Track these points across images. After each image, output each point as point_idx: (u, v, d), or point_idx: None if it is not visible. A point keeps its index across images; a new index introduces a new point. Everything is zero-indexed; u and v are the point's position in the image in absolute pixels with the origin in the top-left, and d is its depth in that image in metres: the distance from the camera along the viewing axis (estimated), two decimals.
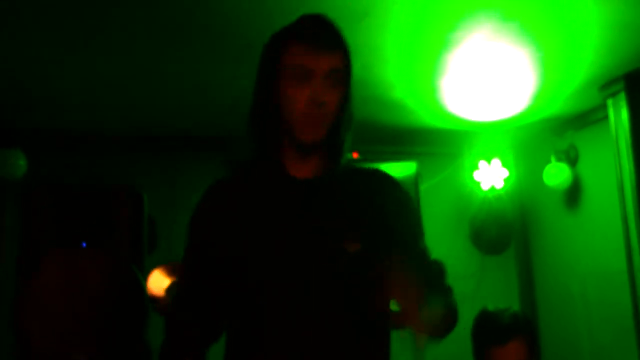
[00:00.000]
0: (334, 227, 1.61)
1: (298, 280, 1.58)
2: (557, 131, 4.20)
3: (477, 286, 4.49)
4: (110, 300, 2.02)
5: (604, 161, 3.81)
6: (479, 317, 2.60)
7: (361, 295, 1.56)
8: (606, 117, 3.66)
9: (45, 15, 2.56)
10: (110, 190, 2.55)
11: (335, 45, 1.62)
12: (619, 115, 3.48)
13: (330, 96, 1.60)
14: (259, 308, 1.59)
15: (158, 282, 3.48)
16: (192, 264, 1.69)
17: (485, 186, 4.34)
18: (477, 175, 4.34)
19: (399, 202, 1.74)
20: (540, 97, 3.66)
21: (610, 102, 3.54)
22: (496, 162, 4.32)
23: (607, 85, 3.51)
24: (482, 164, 4.33)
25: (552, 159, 4.09)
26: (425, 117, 3.93)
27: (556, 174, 4.04)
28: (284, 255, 1.59)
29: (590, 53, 3.11)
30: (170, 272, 3.55)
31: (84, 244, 2.40)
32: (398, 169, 4.32)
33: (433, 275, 1.74)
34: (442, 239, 4.47)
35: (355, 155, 4.43)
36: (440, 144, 4.45)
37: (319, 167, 1.67)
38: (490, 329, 2.49)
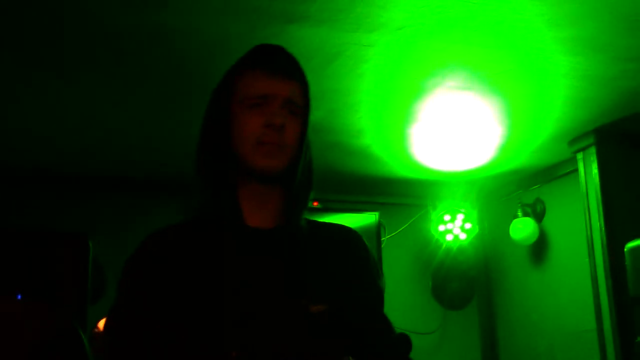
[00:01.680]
0: (297, 286, 1.42)
1: (249, 346, 1.37)
2: (524, 184, 4.12)
3: (438, 342, 4.35)
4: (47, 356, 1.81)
5: (571, 216, 3.73)
6: None
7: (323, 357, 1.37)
8: (574, 171, 3.61)
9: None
10: (52, 235, 2.35)
11: (294, 74, 1.49)
12: (590, 169, 3.42)
13: (290, 123, 1.44)
14: None
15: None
16: (127, 324, 1.44)
17: (448, 238, 4.22)
18: (440, 227, 4.22)
19: (367, 265, 1.56)
20: (507, 148, 3.59)
21: (580, 156, 3.48)
22: (461, 214, 4.21)
23: (577, 139, 3.45)
24: (446, 216, 4.22)
25: (519, 212, 3.99)
26: (391, 166, 3.82)
27: (522, 229, 3.95)
28: (236, 319, 1.38)
29: (559, 106, 3.07)
30: None
31: (19, 296, 2.19)
32: (359, 219, 4.20)
33: (400, 348, 1.50)
34: (403, 292, 4.34)
35: (315, 204, 4.30)
36: (405, 194, 4.35)
37: (279, 215, 1.48)
38: None
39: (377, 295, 1.57)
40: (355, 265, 1.53)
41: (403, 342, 1.51)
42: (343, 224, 1.61)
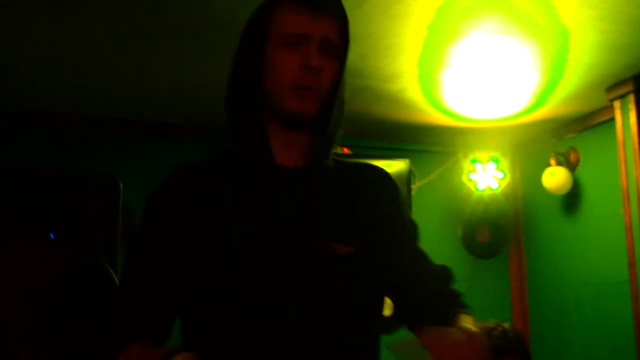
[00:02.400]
0: (323, 226, 1.39)
1: (275, 287, 1.34)
2: (558, 133, 4.05)
3: (467, 292, 4.34)
4: (73, 298, 1.83)
5: (606, 166, 3.66)
6: None
7: (351, 306, 1.37)
8: (610, 119, 3.53)
9: None
10: (82, 176, 2.35)
11: (334, 9, 1.42)
12: (627, 118, 3.33)
13: (327, 64, 1.38)
14: (230, 321, 1.34)
15: None
16: (146, 255, 1.42)
17: (480, 187, 4.18)
18: (472, 175, 4.18)
19: (397, 201, 1.53)
20: (542, 95, 3.51)
21: (617, 104, 3.39)
22: (493, 162, 4.16)
23: (615, 86, 3.36)
24: (477, 164, 4.17)
25: (552, 161, 3.92)
26: (423, 112, 3.76)
27: (555, 178, 3.88)
28: (262, 257, 1.34)
29: (596, 51, 2.98)
30: None
31: (52, 235, 2.20)
32: (390, 166, 4.17)
33: (446, 280, 1.56)
34: (432, 241, 4.28)
35: (345, 151, 4.29)
36: (436, 141, 4.30)
37: (307, 155, 1.44)
38: None
39: (409, 230, 1.55)
40: (384, 203, 1.49)
41: (444, 275, 1.56)
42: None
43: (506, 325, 2.53)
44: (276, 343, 1.32)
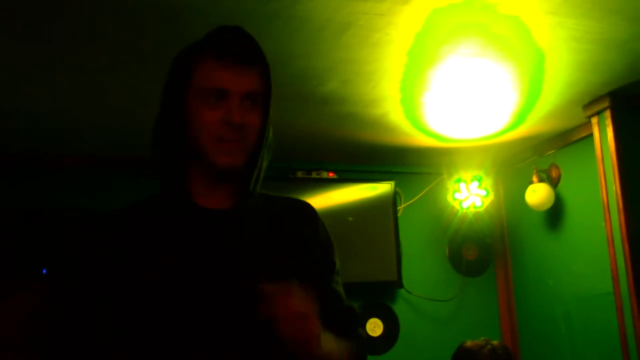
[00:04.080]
0: (244, 266, 1.43)
1: (198, 326, 1.38)
2: (539, 150, 4.12)
3: (456, 309, 4.38)
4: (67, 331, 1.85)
5: (587, 181, 3.73)
6: (456, 354, 2.50)
7: (271, 340, 1.38)
8: (589, 135, 3.60)
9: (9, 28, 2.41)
10: (74, 214, 2.39)
11: (253, 61, 1.45)
12: (604, 134, 3.41)
13: (249, 119, 1.43)
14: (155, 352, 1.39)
15: None
16: (74, 304, 1.48)
17: (465, 205, 4.23)
18: (457, 195, 4.23)
19: (317, 237, 1.57)
20: (521, 114, 3.58)
21: (594, 120, 3.47)
22: (476, 181, 4.22)
23: (591, 103, 3.44)
24: (461, 183, 4.23)
25: (534, 178, 3.99)
26: (406, 135, 3.82)
27: (537, 194, 3.95)
28: (183, 297, 1.39)
29: (572, 70, 3.05)
30: None
31: (44, 271, 2.23)
32: (375, 189, 4.22)
33: (344, 319, 1.57)
34: (420, 260, 4.37)
35: (331, 175, 4.33)
36: (420, 162, 4.36)
37: (231, 197, 1.49)
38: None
39: (327, 268, 1.59)
40: (304, 239, 1.54)
41: (350, 315, 1.59)
42: (297, 197, 1.63)
43: (495, 342, 2.56)
44: None
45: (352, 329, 1.57)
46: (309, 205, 1.61)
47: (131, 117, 3.31)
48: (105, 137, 3.64)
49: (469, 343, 2.49)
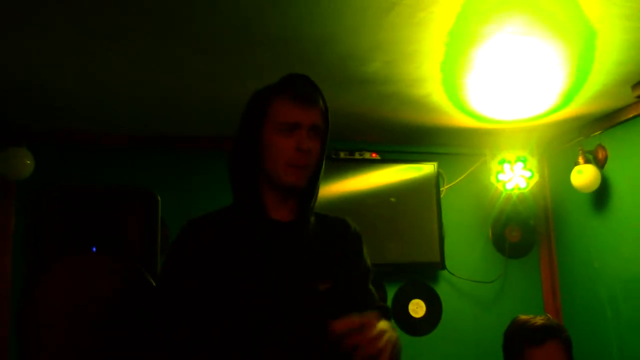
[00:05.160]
0: (309, 268, 1.83)
1: (277, 316, 1.74)
2: (585, 131, 4.05)
3: (499, 291, 4.36)
4: (122, 309, 1.88)
5: (634, 162, 3.67)
6: (512, 322, 2.53)
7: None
8: (637, 116, 3.55)
9: (58, 14, 2.44)
10: (123, 191, 2.42)
11: (317, 101, 1.84)
12: None
13: (314, 145, 1.82)
14: (240, 341, 1.73)
15: None
16: (169, 302, 1.78)
17: (508, 187, 4.19)
18: (500, 176, 4.19)
19: (358, 250, 1.98)
20: (568, 94, 3.52)
21: None
22: (520, 162, 4.17)
23: None
24: (505, 164, 4.18)
25: (580, 159, 3.93)
26: (449, 115, 3.79)
27: (583, 176, 3.89)
28: (267, 293, 1.75)
29: (622, 49, 2.98)
30: None
31: (94, 249, 2.27)
32: (418, 170, 4.20)
33: (381, 312, 1.85)
34: (463, 242, 4.35)
35: (374, 156, 4.33)
36: (463, 143, 4.32)
37: (294, 211, 1.88)
38: (526, 329, 2.40)
39: (366, 275, 1.98)
40: (350, 250, 1.95)
41: (385, 309, 1.94)
42: (342, 218, 2.03)
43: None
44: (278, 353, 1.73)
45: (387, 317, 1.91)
46: (352, 224, 2.01)
47: (174, 94, 3.34)
48: (144, 117, 3.69)
49: (522, 316, 2.53)
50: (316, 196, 1.91)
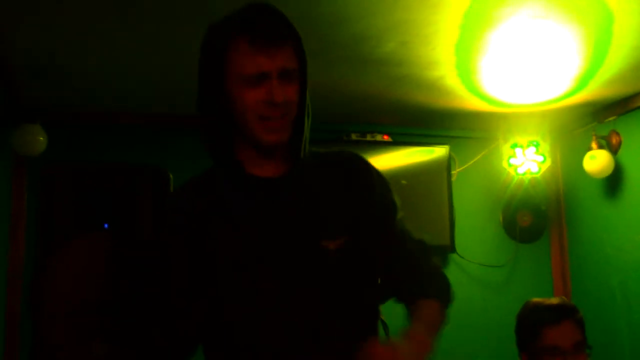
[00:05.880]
0: (310, 226, 1.51)
1: (276, 287, 1.48)
2: (599, 116, 4.02)
3: (509, 275, 4.35)
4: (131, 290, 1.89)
5: None
6: (526, 304, 2.52)
7: (350, 295, 1.51)
8: None
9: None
10: (134, 169, 2.43)
11: (285, 37, 1.48)
12: None
13: (289, 91, 1.48)
14: (234, 323, 1.50)
15: None
16: (159, 274, 1.56)
17: (520, 171, 4.17)
18: (512, 160, 4.17)
19: (372, 183, 1.63)
20: (582, 79, 3.49)
21: None
22: (533, 147, 4.15)
23: None
24: (517, 148, 4.16)
25: (593, 145, 3.90)
26: (461, 99, 3.77)
27: (596, 161, 3.87)
28: (260, 262, 1.48)
29: (638, 33, 2.94)
30: None
31: (106, 226, 2.28)
32: (430, 153, 4.19)
33: (421, 259, 1.68)
34: (474, 226, 4.34)
35: (385, 138, 4.31)
36: (475, 127, 4.30)
37: (282, 165, 1.56)
38: (542, 309, 2.40)
39: (389, 210, 1.65)
40: (362, 189, 1.60)
41: (421, 250, 1.68)
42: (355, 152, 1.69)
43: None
44: (282, 333, 1.46)
45: (427, 267, 1.68)
46: (357, 155, 1.66)
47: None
48: (155, 95, 3.69)
49: (535, 299, 2.52)
50: (305, 144, 1.57)
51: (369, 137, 4.09)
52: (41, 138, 3.46)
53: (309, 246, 1.48)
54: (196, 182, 1.60)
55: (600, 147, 3.90)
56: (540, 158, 4.16)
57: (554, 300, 2.46)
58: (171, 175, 2.45)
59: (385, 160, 4.07)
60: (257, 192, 1.53)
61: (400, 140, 4.19)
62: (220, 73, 1.49)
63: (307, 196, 1.54)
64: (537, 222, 4.44)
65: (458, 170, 4.32)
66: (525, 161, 4.16)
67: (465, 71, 3.36)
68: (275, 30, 1.46)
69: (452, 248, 4.17)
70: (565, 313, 2.38)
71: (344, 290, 1.50)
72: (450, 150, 4.23)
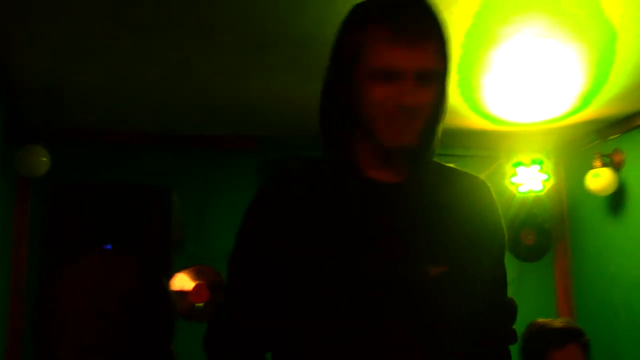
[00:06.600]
0: (416, 244, 1.35)
1: (365, 306, 1.32)
2: (602, 134, 4.02)
3: (513, 294, 4.32)
4: (139, 309, 1.87)
5: None
6: (531, 325, 2.51)
7: (441, 326, 1.35)
8: None
9: (76, 14, 2.45)
10: (139, 190, 2.42)
11: (429, 34, 1.31)
12: None
13: (422, 98, 1.31)
14: (311, 337, 1.35)
15: (182, 284, 3.36)
16: (247, 271, 1.41)
17: (524, 190, 4.16)
18: (515, 179, 4.17)
19: (493, 221, 1.44)
20: (585, 97, 3.49)
21: None
22: (536, 165, 4.14)
23: None
24: (521, 167, 4.16)
25: (596, 163, 3.90)
26: (463, 118, 3.77)
27: (600, 179, 3.86)
28: (354, 276, 1.32)
29: None
30: (195, 274, 3.44)
31: (109, 246, 2.27)
32: None
33: (505, 322, 1.49)
34: None
35: None
36: (478, 145, 4.29)
37: (402, 170, 1.40)
38: (547, 332, 2.38)
39: (496, 261, 1.46)
40: (480, 223, 1.42)
41: (507, 311, 1.50)
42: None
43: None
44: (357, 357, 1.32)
45: (500, 344, 1.50)
46: (485, 183, 1.48)
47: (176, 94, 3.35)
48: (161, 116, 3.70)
49: (539, 320, 2.51)
50: (432, 152, 1.40)
51: None
52: (44, 159, 3.46)
53: (410, 267, 1.33)
54: (294, 177, 1.45)
55: (604, 165, 3.89)
56: (544, 176, 4.15)
57: (559, 323, 2.44)
58: (175, 196, 2.45)
59: None
60: (370, 196, 1.38)
61: None
62: (352, 61, 1.33)
63: (420, 211, 1.38)
64: (542, 240, 4.43)
65: None
66: (529, 179, 4.15)
67: (468, 90, 3.36)
68: (420, 25, 1.31)
69: None
70: (570, 336, 2.37)
71: (434, 322, 1.35)
72: None
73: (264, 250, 1.38)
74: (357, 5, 1.38)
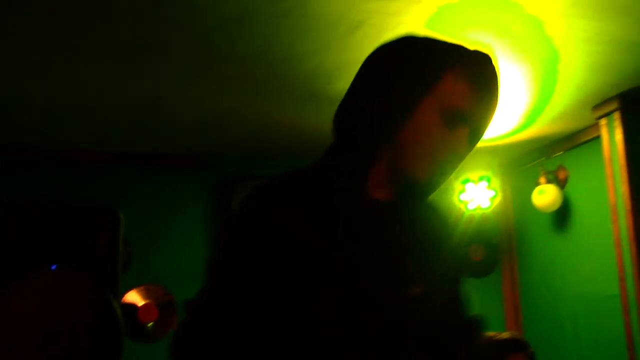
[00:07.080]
0: (406, 266, 1.33)
1: (359, 325, 1.27)
2: (547, 151, 4.12)
3: None
4: (88, 329, 1.85)
5: (594, 183, 3.72)
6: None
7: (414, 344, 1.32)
8: (597, 137, 3.59)
9: (24, 29, 2.41)
10: (85, 208, 2.39)
11: (498, 95, 1.34)
12: (613, 135, 3.40)
13: (464, 149, 1.32)
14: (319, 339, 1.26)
15: (132, 302, 3.31)
16: (237, 285, 1.28)
17: (471, 206, 4.23)
18: (463, 196, 4.23)
19: (450, 240, 1.47)
20: (529, 115, 3.57)
21: (603, 122, 3.46)
22: (483, 182, 4.21)
23: (600, 105, 3.43)
24: (468, 184, 4.22)
25: (541, 180, 3.99)
26: None
27: (545, 195, 3.95)
28: (349, 290, 1.27)
29: (582, 71, 3.04)
30: (144, 293, 3.39)
31: (54, 267, 2.23)
32: None
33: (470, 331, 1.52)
34: None
35: None
36: None
37: (397, 188, 1.37)
38: (493, 345, 2.42)
39: (457, 273, 1.50)
40: (443, 242, 1.44)
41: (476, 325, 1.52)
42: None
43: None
44: None
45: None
46: (442, 210, 1.51)
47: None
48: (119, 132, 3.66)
49: (487, 333, 2.53)
50: (438, 186, 1.37)
51: None
52: None
53: (400, 288, 1.31)
54: (292, 185, 1.37)
55: (549, 181, 3.98)
56: (492, 193, 4.22)
57: (505, 335, 2.49)
58: (122, 216, 2.42)
59: None
60: (372, 216, 1.33)
61: None
62: (423, 92, 1.29)
63: (410, 229, 1.37)
64: (489, 256, 4.49)
65: None
66: (476, 196, 4.22)
67: None
68: (496, 81, 1.33)
69: None
70: (515, 347, 2.41)
71: (419, 343, 1.33)
72: None
73: (259, 267, 1.27)
74: (438, 41, 1.40)
